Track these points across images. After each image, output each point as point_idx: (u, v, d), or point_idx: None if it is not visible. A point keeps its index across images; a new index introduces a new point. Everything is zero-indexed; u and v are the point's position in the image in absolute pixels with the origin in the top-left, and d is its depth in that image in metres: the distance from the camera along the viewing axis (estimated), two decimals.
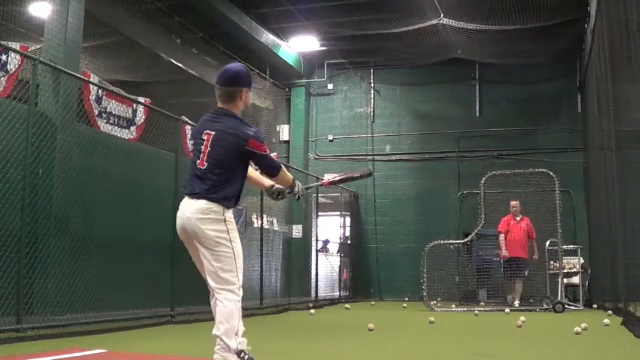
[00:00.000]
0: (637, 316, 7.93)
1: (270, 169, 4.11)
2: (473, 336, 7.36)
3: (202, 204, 3.88)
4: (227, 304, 3.83)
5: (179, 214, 3.97)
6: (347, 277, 17.09)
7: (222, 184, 3.91)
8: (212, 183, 3.90)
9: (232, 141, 3.94)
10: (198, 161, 3.96)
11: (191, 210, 3.89)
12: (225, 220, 3.88)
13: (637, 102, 9.18)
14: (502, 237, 12.10)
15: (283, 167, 4.16)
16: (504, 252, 12.00)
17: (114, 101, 10.47)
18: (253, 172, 4.27)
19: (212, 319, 3.87)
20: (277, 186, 4.28)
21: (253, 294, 12.13)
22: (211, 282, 3.90)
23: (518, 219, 12.20)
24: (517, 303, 11.76)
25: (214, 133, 3.96)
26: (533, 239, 12.04)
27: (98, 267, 8.01)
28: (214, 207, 3.88)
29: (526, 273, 11.92)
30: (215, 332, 3.84)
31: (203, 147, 3.97)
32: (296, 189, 4.25)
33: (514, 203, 12.32)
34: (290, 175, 4.24)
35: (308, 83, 18.07)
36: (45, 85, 8.47)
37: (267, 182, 4.31)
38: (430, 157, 17.13)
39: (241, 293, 3.92)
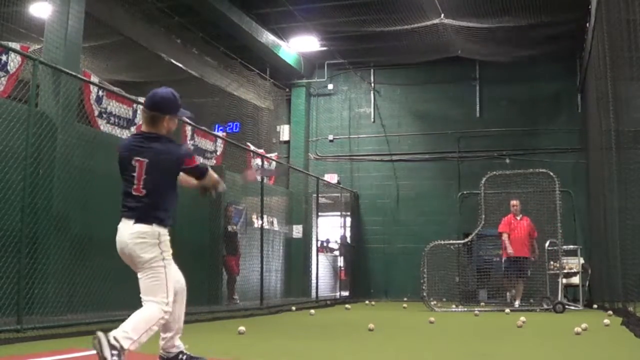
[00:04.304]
0: (637, 316, 7.92)
1: (200, 174, 4.22)
2: (473, 336, 7.36)
3: (139, 227, 3.93)
4: (149, 309, 3.86)
5: (118, 236, 4.03)
6: (346, 277, 17.10)
7: (158, 206, 3.98)
8: (148, 207, 3.96)
9: (167, 166, 4.01)
10: (133, 187, 3.98)
11: (128, 234, 3.94)
12: (159, 243, 3.96)
13: (637, 102, 9.18)
14: (505, 236, 11.94)
15: (209, 169, 4.29)
16: (509, 251, 11.82)
17: (114, 101, 10.47)
18: (182, 175, 4.29)
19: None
20: (204, 184, 4.33)
21: (253, 294, 12.14)
22: (142, 292, 3.96)
23: (518, 217, 12.15)
24: (517, 303, 11.73)
25: (146, 160, 3.97)
26: (534, 237, 12.01)
27: (98, 267, 8.01)
28: (149, 230, 3.94)
29: (528, 273, 11.89)
30: (122, 326, 3.77)
31: (136, 174, 3.98)
32: (220, 188, 4.36)
33: (514, 202, 12.26)
34: (215, 176, 4.31)
35: (308, 83, 18.07)
36: (45, 85, 8.48)
37: (193, 181, 4.36)
38: (430, 157, 17.13)
39: (167, 310, 3.91)
